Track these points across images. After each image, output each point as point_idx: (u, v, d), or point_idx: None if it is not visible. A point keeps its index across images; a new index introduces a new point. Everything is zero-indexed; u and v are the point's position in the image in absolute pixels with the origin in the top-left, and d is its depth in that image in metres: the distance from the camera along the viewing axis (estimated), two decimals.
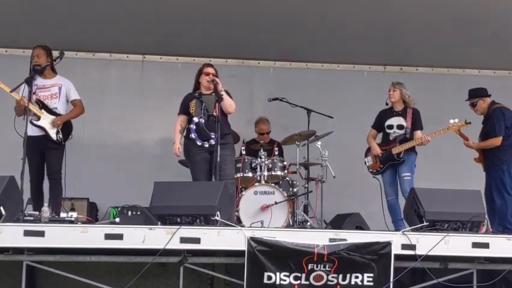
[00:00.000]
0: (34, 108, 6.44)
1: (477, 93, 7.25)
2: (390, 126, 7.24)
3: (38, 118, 6.49)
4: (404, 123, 7.14)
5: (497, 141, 7.01)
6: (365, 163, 7.36)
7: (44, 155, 6.55)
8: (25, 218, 5.55)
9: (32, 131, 6.37)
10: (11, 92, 6.33)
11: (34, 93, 6.45)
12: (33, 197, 6.36)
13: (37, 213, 5.80)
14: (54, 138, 6.53)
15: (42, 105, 6.54)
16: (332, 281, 5.38)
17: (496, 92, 7.48)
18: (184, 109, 6.62)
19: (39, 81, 6.55)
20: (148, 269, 5.38)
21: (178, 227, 5.33)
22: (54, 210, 6.28)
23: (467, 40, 8.27)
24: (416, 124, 7.15)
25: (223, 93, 6.43)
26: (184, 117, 6.62)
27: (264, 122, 8.11)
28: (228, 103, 6.48)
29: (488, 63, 8.91)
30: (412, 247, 5.44)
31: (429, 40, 8.35)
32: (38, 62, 6.55)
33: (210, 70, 6.63)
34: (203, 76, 6.60)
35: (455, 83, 8.83)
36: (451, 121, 7.03)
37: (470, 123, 7.05)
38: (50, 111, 6.57)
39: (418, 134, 7.11)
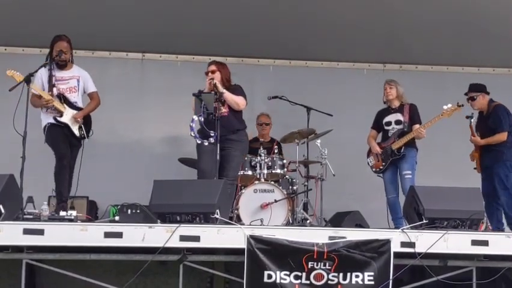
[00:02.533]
0: (56, 102, 6.37)
1: (479, 88, 7.21)
2: (388, 123, 7.25)
3: (61, 114, 6.42)
4: (402, 118, 7.16)
5: (503, 136, 7.00)
6: (368, 164, 7.35)
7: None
8: (24, 216, 5.55)
9: (56, 122, 6.34)
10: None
11: (54, 85, 6.37)
12: (59, 185, 6.28)
13: (36, 211, 5.81)
14: (78, 135, 6.49)
15: (64, 99, 6.45)
16: (333, 281, 5.37)
17: (496, 90, 7.48)
18: None
19: (57, 73, 6.46)
20: (147, 267, 5.37)
21: (178, 225, 5.33)
22: (59, 207, 6.26)
23: (466, 38, 8.28)
24: (414, 118, 7.15)
25: (224, 91, 6.42)
26: None
27: (264, 115, 8.15)
28: (232, 101, 6.47)
29: (487, 61, 8.91)
30: (411, 245, 5.44)
31: (428, 38, 8.35)
32: (65, 58, 6.46)
33: (209, 68, 6.63)
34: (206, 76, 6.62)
35: (455, 81, 8.82)
36: (444, 107, 6.98)
37: (462, 105, 6.98)
38: (72, 105, 6.50)
39: (416, 126, 7.11)
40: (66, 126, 6.45)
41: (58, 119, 6.38)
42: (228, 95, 6.45)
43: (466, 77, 8.75)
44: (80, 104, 6.60)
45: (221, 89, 6.43)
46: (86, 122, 6.62)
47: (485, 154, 7.11)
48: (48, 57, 6.54)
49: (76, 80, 6.58)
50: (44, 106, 6.37)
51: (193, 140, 6.55)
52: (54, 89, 6.37)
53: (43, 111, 6.49)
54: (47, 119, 6.44)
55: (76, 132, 6.49)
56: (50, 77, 6.39)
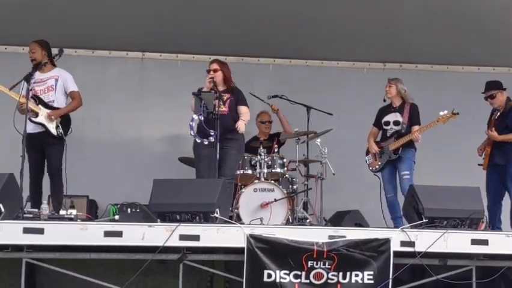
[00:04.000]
0: (31, 104, 6.37)
1: (496, 85, 7.11)
2: (387, 123, 7.25)
3: (36, 115, 6.45)
4: (401, 119, 7.14)
5: None
6: (366, 162, 7.36)
7: (44, 151, 6.52)
8: (24, 215, 5.56)
9: (32, 128, 6.35)
10: (10, 89, 6.32)
11: (31, 89, 6.39)
12: (32, 193, 6.34)
13: (36, 210, 5.81)
14: (55, 133, 6.50)
15: (38, 101, 6.47)
16: (333, 280, 5.37)
17: None
18: None
19: (36, 75, 6.47)
20: (148, 266, 5.37)
21: (178, 224, 5.34)
22: (56, 207, 6.28)
23: (466, 37, 8.27)
24: (413, 119, 7.13)
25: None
26: None
27: (265, 113, 8.13)
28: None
29: (487, 60, 8.88)
30: (411, 244, 5.45)
31: (429, 37, 8.34)
32: (33, 57, 6.53)
33: (211, 67, 6.64)
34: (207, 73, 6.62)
35: (455, 80, 8.83)
36: (441, 113, 6.95)
37: (458, 113, 6.92)
38: (47, 105, 6.52)
39: (415, 128, 7.10)
40: (42, 126, 6.45)
41: (33, 119, 6.37)
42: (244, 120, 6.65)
43: (466, 76, 8.79)
44: (58, 104, 6.59)
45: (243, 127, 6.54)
46: (66, 121, 6.61)
47: (496, 151, 7.02)
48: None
49: (53, 80, 6.60)
50: (20, 110, 6.36)
51: (193, 139, 6.56)
52: (31, 92, 6.35)
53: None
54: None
55: (53, 131, 6.49)
56: (28, 80, 6.40)
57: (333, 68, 9.04)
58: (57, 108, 6.58)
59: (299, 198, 7.53)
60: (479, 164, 7.18)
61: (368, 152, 7.38)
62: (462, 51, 8.66)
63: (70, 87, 6.66)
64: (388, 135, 7.22)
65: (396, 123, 7.18)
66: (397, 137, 7.11)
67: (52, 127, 6.50)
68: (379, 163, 7.19)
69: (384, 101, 7.34)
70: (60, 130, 6.52)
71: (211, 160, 6.36)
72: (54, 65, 6.67)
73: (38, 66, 6.48)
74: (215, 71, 6.60)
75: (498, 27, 7.92)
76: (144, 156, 8.54)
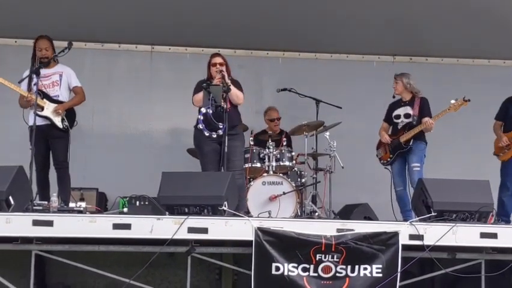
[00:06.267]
0: (37, 99, 6.44)
1: None
2: (398, 116, 7.23)
3: (42, 108, 6.47)
4: (411, 112, 7.13)
5: None
6: (377, 156, 7.35)
7: (49, 144, 6.55)
8: (34, 207, 5.58)
9: (37, 121, 6.38)
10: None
11: (35, 84, 6.42)
12: (39, 186, 6.37)
13: (46, 203, 5.83)
14: (61, 126, 6.52)
15: (43, 95, 6.51)
16: (341, 273, 5.37)
17: (506, 82, 7.46)
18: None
19: (41, 71, 6.50)
20: (156, 258, 5.39)
21: (186, 217, 5.34)
22: (64, 199, 6.31)
23: (477, 30, 8.22)
24: (424, 111, 7.10)
25: (230, 84, 6.42)
26: None
27: (273, 109, 8.12)
28: (235, 95, 6.46)
29: (498, 53, 8.85)
30: (420, 237, 5.43)
31: (439, 30, 8.31)
32: (46, 55, 6.56)
33: (217, 60, 6.61)
34: (211, 67, 6.60)
35: (465, 73, 8.78)
36: (452, 101, 6.93)
37: (469, 100, 6.90)
38: (51, 99, 6.55)
39: (425, 120, 7.07)
40: (48, 119, 6.49)
41: (39, 113, 6.39)
42: (233, 89, 6.44)
43: (477, 69, 8.75)
44: (62, 98, 6.64)
45: (229, 82, 6.42)
46: (70, 115, 6.64)
47: None
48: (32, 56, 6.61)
49: (58, 75, 6.65)
50: (26, 104, 6.40)
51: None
52: (34, 87, 6.39)
53: (29, 110, 6.52)
54: (30, 119, 6.45)
55: (59, 124, 6.53)
56: (37, 74, 6.42)
57: (343, 61, 9.01)
58: (62, 103, 6.61)
59: (308, 192, 7.53)
60: (494, 154, 7.16)
61: (378, 146, 7.36)
62: (472, 44, 8.62)
63: (73, 83, 6.72)
64: (399, 128, 7.20)
65: (406, 116, 7.16)
66: (408, 129, 7.10)
67: (58, 120, 6.53)
68: (391, 155, 7.18)
69: (394, 97, 7.32)
70: (66, 123, 6.56)
71: (216, 155, 6.36)
72: (56, 61, 6.71)
73: (47, 62, 6.53)
74: (221, 64, 6.59)
75: (509, 19, 7.87)
76: (153, 148, 8.57)
